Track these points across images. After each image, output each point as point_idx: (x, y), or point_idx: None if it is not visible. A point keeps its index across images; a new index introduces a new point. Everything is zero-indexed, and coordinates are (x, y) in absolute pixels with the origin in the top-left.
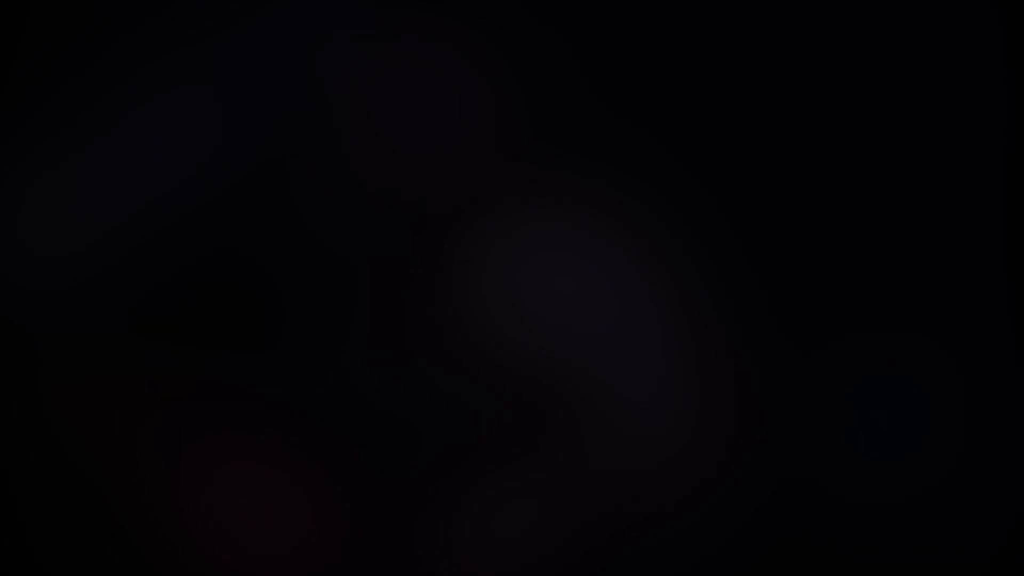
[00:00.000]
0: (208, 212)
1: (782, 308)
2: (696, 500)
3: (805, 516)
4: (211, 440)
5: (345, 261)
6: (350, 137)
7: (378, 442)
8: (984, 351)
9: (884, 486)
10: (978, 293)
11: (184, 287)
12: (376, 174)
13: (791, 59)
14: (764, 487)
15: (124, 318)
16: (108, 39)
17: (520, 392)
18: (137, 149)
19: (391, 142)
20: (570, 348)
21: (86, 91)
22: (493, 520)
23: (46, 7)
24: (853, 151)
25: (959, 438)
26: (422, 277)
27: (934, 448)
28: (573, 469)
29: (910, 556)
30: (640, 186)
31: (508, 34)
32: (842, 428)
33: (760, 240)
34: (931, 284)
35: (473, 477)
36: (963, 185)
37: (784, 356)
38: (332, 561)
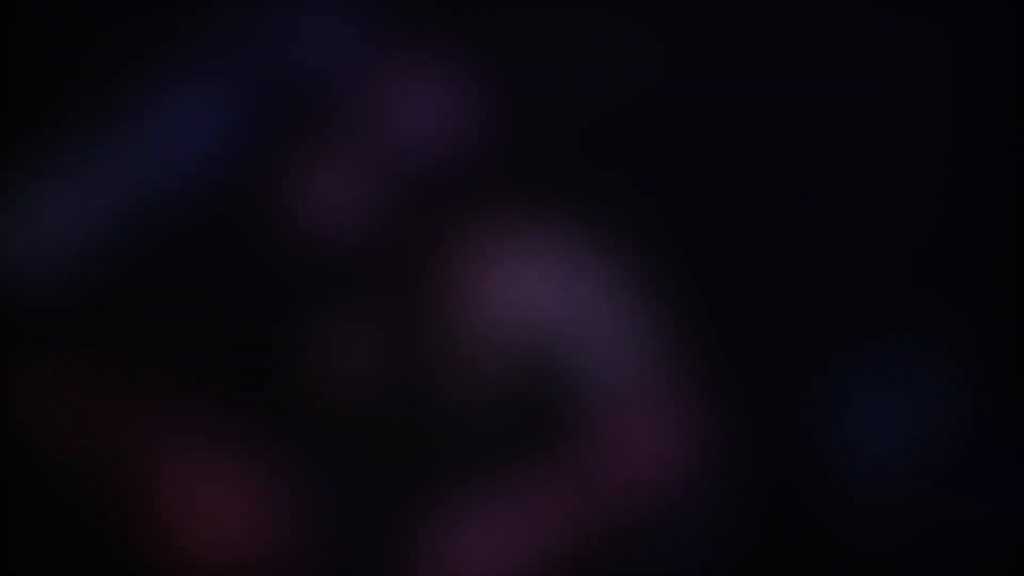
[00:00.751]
0: (190, 215)
1: (769, 325)
2: (683, 519)
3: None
4: (184, 445)
5: (324, 268)
6: (338, 144)
7: (359, 455)
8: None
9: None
10: (973, 302)
11: (161, 285)
12: (359, 184)
13: (781, 60)
14: (751, 505)
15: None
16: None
17: (503, 406)
18: (127, 150)
19: (379, 152)
20: (553, 366)
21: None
22: (473, 534)
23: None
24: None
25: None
26: (405, 287)
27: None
28: (558, 485)
29: None
30: (623, 209)
31: (499, 54)
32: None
33: (747, 259)
34: (925, 300)
35: (452, 492)
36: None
37: (773, 373)
38: (305, 562)
